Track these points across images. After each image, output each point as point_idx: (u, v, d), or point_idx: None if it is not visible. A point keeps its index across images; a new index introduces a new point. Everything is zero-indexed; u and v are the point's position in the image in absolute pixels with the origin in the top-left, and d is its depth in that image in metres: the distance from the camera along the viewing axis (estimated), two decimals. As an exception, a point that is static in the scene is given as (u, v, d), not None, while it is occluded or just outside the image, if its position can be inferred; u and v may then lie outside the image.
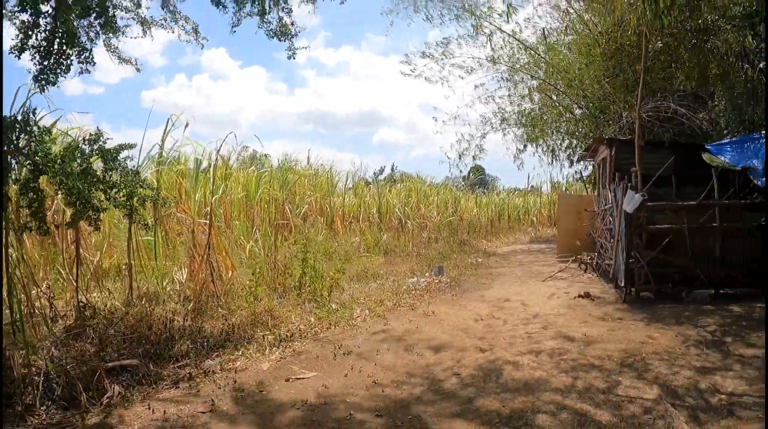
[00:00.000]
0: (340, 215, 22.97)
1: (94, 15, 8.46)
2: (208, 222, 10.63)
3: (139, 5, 10.09)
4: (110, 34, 9.35)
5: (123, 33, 9.64)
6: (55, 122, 10.23)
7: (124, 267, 10.72)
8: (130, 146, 7.86)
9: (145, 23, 10.26)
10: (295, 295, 11.31)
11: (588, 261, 16.45)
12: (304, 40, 10.08)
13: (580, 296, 12.04)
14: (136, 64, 10.46)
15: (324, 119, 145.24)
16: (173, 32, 10.70)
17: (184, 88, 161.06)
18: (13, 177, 7.10)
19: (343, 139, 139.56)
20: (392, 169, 47.70)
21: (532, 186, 43.54)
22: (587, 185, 25.95)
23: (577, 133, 24.33)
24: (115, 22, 9.02)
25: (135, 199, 7.50)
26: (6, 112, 7.34)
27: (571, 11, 22.06)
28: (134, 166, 8.22)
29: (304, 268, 11.64)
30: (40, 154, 6.84)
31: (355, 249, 18.77)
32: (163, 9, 10.30)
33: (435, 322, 10.01)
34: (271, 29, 10.15)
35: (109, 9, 8.63)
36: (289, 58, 10.65)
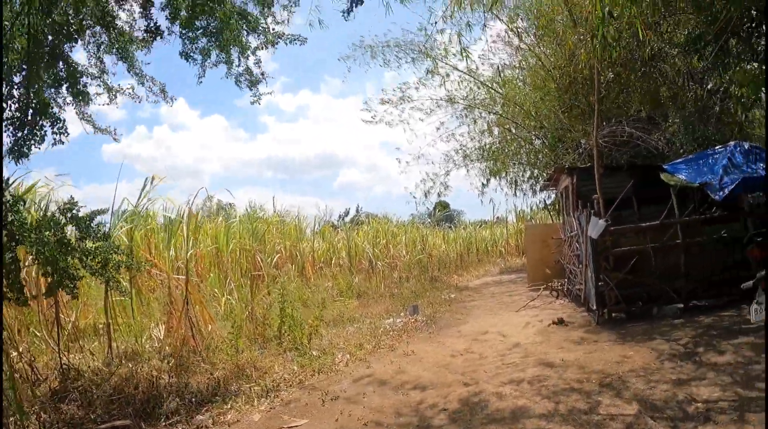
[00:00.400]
0: (311, 261, 23.02)
1: (66, 85, 8.64)
2: (183, 277, 10.71)
3: (104, 71, 10.28)
4: (81, 104, 9.52)
5: (92, 101, 9.81)
6: (32, 187, 10.39)
7: (101, 326, 10.75)
8: (102, 212, 7.99)
9: (111, 91, 10.45)
10: (276, 344, 11.35)
11: (559, 288, 16.73)
12: (268, 86, 10.44)
13: (554, 323, 12.25)
14: (115, 133, 10.61)
15: (285, 164, 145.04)
16: (140, 101, 10.91)
17: (145, 139, 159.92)
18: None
19: (304, 183, 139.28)
20: (357, 211, 48.09)
21: (498, 217, 44.05)
22: (552, 213, 26.34)
23: (537, 164, 24.73)
24: (87, 92, 9.20)
25: (110, 265, 7.59)
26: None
27: (523, 47, 22.62)
28: (106, 226, 8.36)
29: (283, 318, 11.69)
30: (15, 223, 6.93)
31: (329, 294, 18.79)
32: (129, 72, 10.50)
33: (416, 361, 10.13)
34: (240, 79, 10.41)
35: (80, 79, 8.82)
36: (252, 103, 10.90)
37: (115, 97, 10.61)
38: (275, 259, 18.99)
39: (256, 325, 11.88)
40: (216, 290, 13.87)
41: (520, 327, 12.57)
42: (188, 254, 11.44)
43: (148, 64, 10.64)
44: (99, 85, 10.13)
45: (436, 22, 14.67)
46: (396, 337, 12.53)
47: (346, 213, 47.97)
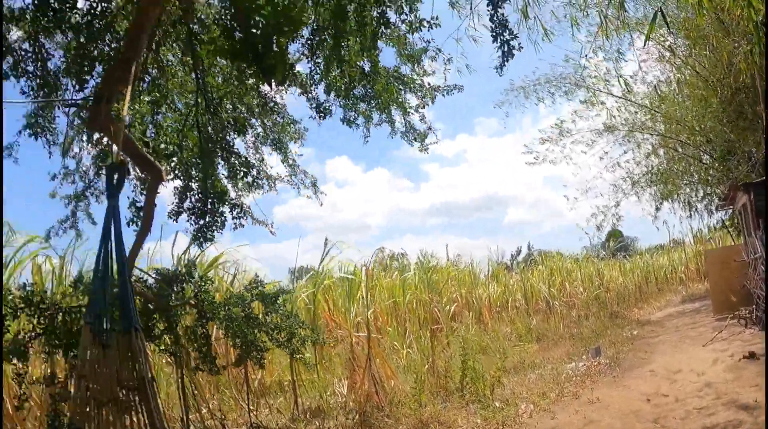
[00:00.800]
0: (487, 306, 23.03)
1: (240, 175, 9.38)
2: (365, 334, 11.13)
3: (262, 160, 11.05)
4: (250, 193, 10.31)
5: (262, 191, 10.63)
6: (216, 260, 11.22)
7: (286, 382, 11.37)
8: (286, 292, 8.63)
9: (270, 179, 11.19)
10: (458, 397, 11.44)
11: (747, 315, 15.91)
12: (436, 136, 10.83)
13: (744, 357, 11.63)
14: (272, 226, 11.28)
15: (450, 209, 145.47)
16: (297, 188, 11.61)
17: (312, 199, 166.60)
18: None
19: (467, 226, 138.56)
20: (529, 248, 47.59)
21: (674, 240, 42.38)
22: (731, 233, 25.21)
23: (709, 181, 23.83)
24: (259, 183, 9.96)
25: (295, 339, 8.16)
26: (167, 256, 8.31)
27: (677, 62, 21.90)
28: (288, 287, 9.00)
29: (464, 370, 11.77)
30: (206, 303, 7.64)
31: (507, 339, 18.68)
32: (283, 163, 11.23)
33: (602, 409, 9.94)
34: (407, 135, 10.86)
35: (252, 170, 9.56)
36: (421, 151, 11.25)
37: (274, 184, 11.34)
38: (452, 310, 19.10)
39: (438, 378, 12.08)
40: (395, 343, 14.22)
41: (709, 363, 12.04)
42: (368, 313, 11.88)
43: (301, 155, 11.38)
44: (258, 175, 10.86)
45: (586, 55, 14.69)
46: (579, 382, 12.28)
47: (518, 252, 47.71)
